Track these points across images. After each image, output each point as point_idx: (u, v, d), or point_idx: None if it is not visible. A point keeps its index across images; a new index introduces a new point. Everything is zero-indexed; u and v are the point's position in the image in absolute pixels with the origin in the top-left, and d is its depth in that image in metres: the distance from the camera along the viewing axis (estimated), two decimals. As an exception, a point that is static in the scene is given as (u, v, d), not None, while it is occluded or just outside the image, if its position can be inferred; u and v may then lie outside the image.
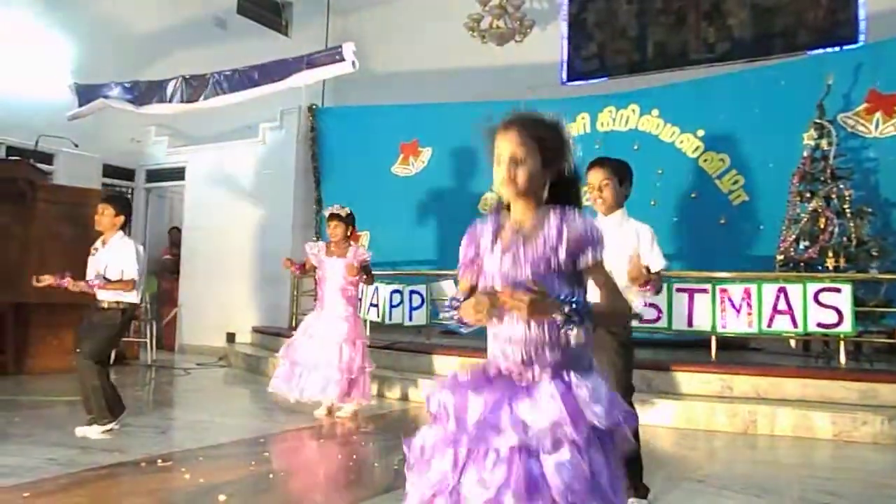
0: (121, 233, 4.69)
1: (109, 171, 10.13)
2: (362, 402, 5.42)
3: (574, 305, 1.66)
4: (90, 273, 4.60)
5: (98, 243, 4.73)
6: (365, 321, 7.79)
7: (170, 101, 7.71)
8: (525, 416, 1.70)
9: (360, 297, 5.59)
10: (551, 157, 1.80)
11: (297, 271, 5.81)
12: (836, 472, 4.27)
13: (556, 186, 1.82)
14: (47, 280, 4.56)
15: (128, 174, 10.69)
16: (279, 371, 5.44)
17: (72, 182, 8.40)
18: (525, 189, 1.79)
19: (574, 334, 1.75)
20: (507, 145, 1.80)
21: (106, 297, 4.53)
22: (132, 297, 4.57)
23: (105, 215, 4.66)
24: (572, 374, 1.74)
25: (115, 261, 4.56)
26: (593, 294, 1.83)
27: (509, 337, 1.80)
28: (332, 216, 5.55)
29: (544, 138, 1.80)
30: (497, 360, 1.83)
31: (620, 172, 3.42)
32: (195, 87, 7.64)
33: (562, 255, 1.75)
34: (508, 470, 1.68)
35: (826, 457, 4.61)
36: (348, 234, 5.55)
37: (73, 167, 9.09)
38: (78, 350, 4.49)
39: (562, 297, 1.67)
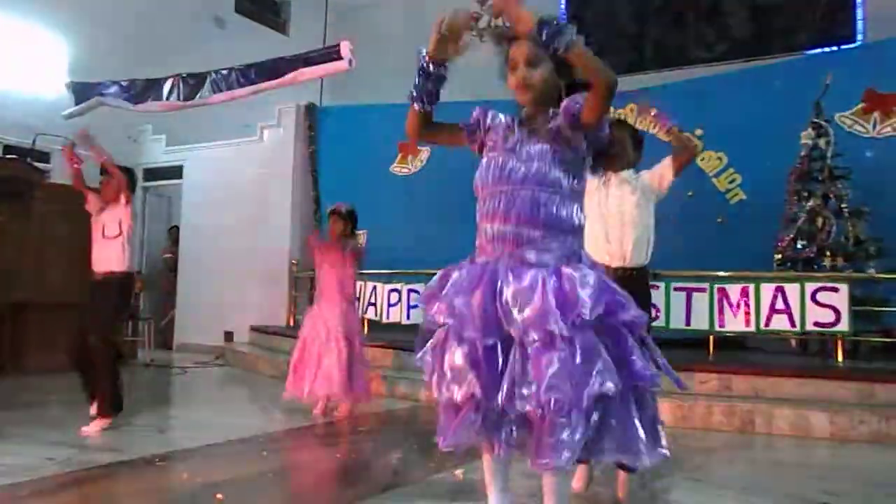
0: (121, 203, 4.87)
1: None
2: (362, 399, 5.38)
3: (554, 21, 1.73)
4: (103, 230, 4.77)
5: (99, 209, 4.89)
6: (362, 320, 7.79)
7: (167, 100, 7.69)
8: (512, 305, 1.73)
9: (357, 295, 5.57)
10: (566, 65, 1.84)
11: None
12: (833, 472, 4.27)
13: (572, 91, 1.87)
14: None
15: (125, 173, 10.65)
16: (291, 376, 5.41)
17: (69, 181, 8.36)
18: (541, 91, 1.86)
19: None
20: (521, 51, 1.87)
21: (101, 267, 4.61)
22: (123, 264, 4.64)
23: (110, 185, 4.85)
24: (562, 265, 1.76)
25: (112, 220, 4.77)
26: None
27: (495, 234, 1.84)
28: (332, 212, 5.57)
29: (552, 44, 1.82)
30: (486, 249, 1.88)
31: (636, 137, 3.56)
32: (192, 85, 7.62)
33: (562, 129, 1.82)
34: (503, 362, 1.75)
35: (824, 456, 4.62)
36: (347, 231, 5.52)
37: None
38: (90, 335, 4.51)
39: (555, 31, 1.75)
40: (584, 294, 1.70)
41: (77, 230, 7.28)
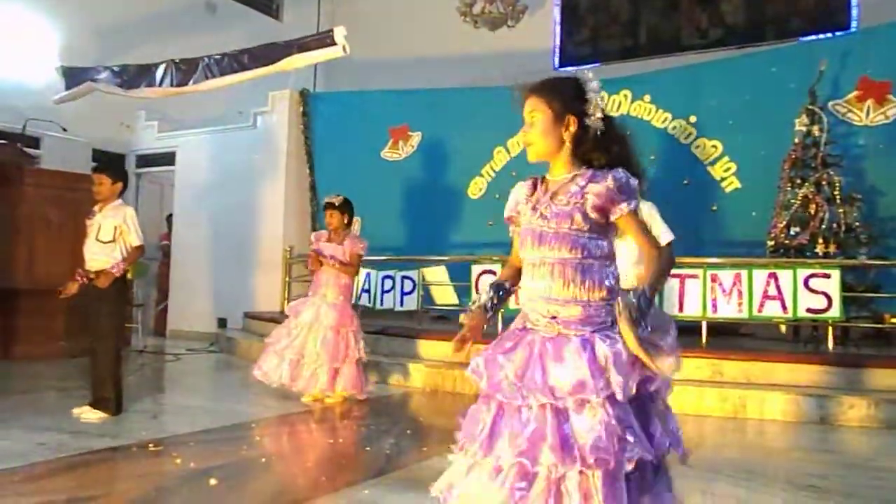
0: (119, 200, 4.73)
1: (99, 155, 10.04)
2: (353, 393, 5.35)
3: (642, 304, 1.73)
4: (96, 236, 4.62)
5: (95, 208, 4.72)
6: (356, 306, 7.78)
7: (159, 86, 7.63)
8: (552, 375, 1.75)
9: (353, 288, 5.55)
10: (561, 109, 1.84)
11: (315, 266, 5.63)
12: (823, 456, 4.32)
13: (589, 142, 1.85)
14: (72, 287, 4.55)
15: (117, 159, 10.60)
16: (265, 355, 5.40)
17: (60, 167, 8.31)
18: (540, 148, 1.85)
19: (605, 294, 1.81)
20: (525, 109, 1.90)
21: (94, 265, 4.54)
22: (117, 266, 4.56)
23: (103, 185, 4.65)
24: (596, 335, 1.77)
25: (108, 224, 4.59)
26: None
27: (537, 293, 1.85)
28: (327, 205, 5.53)
29: (552, 93, 1.85)
30: (527, 314, 1.89)
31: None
32: (185, 71, 7.57)
33: (588, 211, 1.79)
34: (542, 425, 1.74)
35: (814, 441, 4.65)
36: (345, 221, 5.49)
37: (61, 152, 9.00)
38: (93, 338, 4.50)
39: (636, 305, 1.72)
40: (617, 376, 1.72)
41: (68, 216, 7.26)
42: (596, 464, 1.67)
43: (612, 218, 1.81)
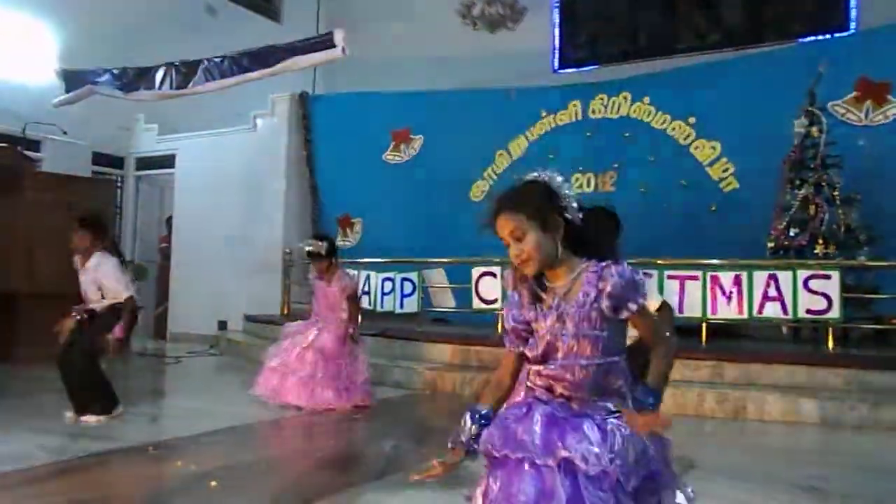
0: (98, 253, 4.59)
1: (99, 158, 10.06)
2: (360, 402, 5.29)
3: (654, 400, 1.76)
4: (85, 287, 4.57)
5: (77, 261, 4.65)
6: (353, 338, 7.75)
7: (159, 89, 7.65)
8: (571, 439, 1.72)
9: (349, 325, 5.34)
10: (543, 214, 1.78)
11: None
12: (823, 457, 4.31)
13: (576, 234, 1.81)
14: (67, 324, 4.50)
15: (117, 162, 10.62)
16: (263, 374, 5.31)
17: (60, 170, 8.33)
18: (540, 259, 1.79)
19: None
20: (503, 229, 1.81)
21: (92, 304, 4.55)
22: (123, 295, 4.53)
23: (84, 240, 4.58)
24: (610, 419, 1.76)
25: (92, 284, 4.54)
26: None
27: (554, 376, 1.82)
28: (310, 254, 5.36)
29: (528, 203, 1.78)
30: (538, 392, 1.85)
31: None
32: (184, 73, 7.58)
33: (604, 309, 1.76)
34: (555, 485, 1.69)
35: (814, 441, 4.65)
36: (330, 264, 5.33)
37: (62, 155, 9.01)
38: (71, 345, 4.47)
39: (647, 403, 1.75)
40: (629, 463, 1.71)
41: (69, 219, 7.26)
42: None
43: (624, 315, 1.78)
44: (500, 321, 6.81)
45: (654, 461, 1.77)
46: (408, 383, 6.32)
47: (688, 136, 8.02)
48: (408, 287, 7.67)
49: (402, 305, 7.72)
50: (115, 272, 4.55)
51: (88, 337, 4.46)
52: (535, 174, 1.83)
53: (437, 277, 7.73)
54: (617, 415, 1.78)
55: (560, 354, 1.80)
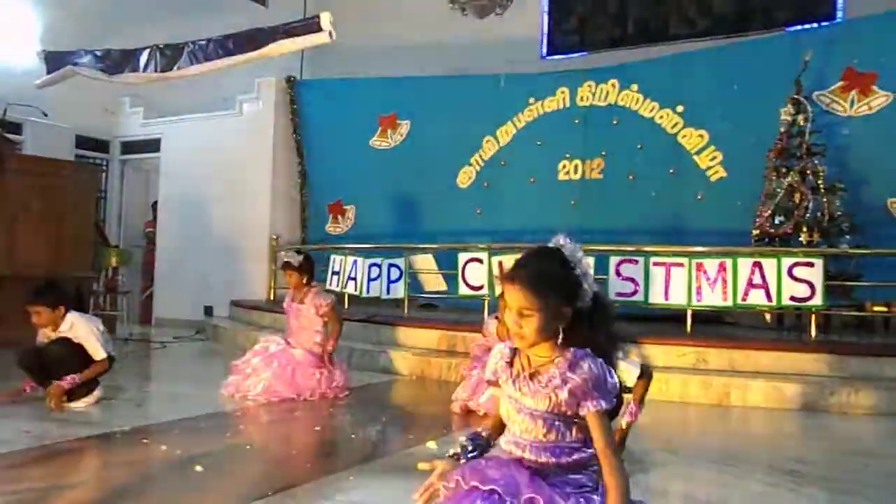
0: (66, 319, 4.40)
1: (82, 142, 9.95)
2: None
3: None
4: None
5: (44, 333, 4.47)
6: (342, 294, 7.78)
7: (143, 71, 7.55)
8: (538, 486, 1.70)
9: (325, 345, 5.22)
10: (556, 303, 1.72)
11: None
12: (804, 441, 4.38)
13: (578, 324, 1.75)
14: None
15: (102, 146, 10.51)
16: (235, 376, 5.19)
17: (42, 153, 8.22)
18: (533, 341, 1.75)
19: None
20: (513, 298, 1.74)
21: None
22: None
23: (41, 315, 4.35)
24: (581, 495, 1.73)
25: (85, 345, 4.39)
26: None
27: (517, 444, 1.80)
28: (286, 265, 5.28)
29: (546, 289, 1.72)
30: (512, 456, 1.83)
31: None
32: (169, 56, 7.49)
33: (562, 398, 1.72)
34: None
35: (796, 426, 4.72)
36: (304, 281, 5.24)
37: (44, 137, 8.91)
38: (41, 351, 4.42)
39: None
40: None
41: (50, 203, 7.19)
42: None
43: (581, 412, 1.73)
44: (486, 308, 6.83)
45: None
46: (394, 369, 6.33)
47: (676, 124, 8.04)
48: (395, 273, 7.68)
49: (388, 291, 7.73)
50: (90, 332, 4.39)
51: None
52: (566, 244, 1.76)
53: (425, 263, 7.73)
54: (588, 490, 1.74)
55: (517, 429, 1.79)
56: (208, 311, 9.53)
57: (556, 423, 1.75)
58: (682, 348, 5.68)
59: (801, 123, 6.71)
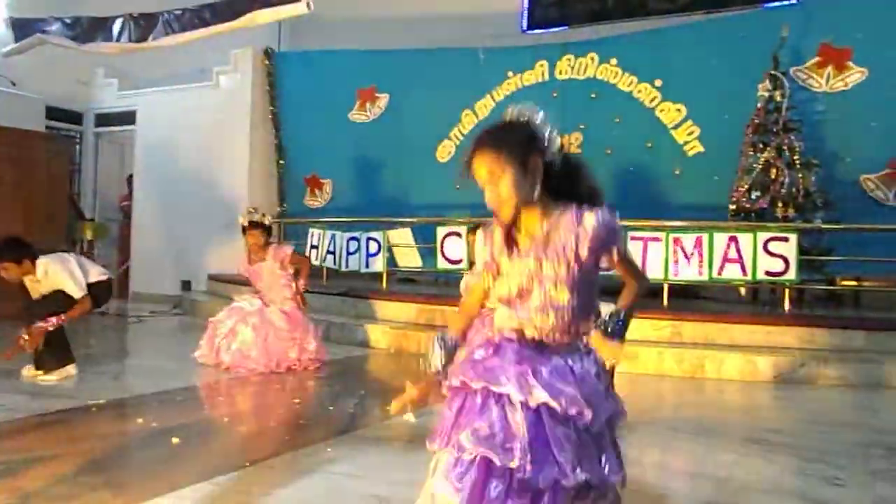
0: (38, 268, 4.33)
1: (54, 113, 9.74)
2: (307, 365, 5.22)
3: (621, 323, 1.75)
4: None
5: (34, 286, 4.42)
6: (321, 268, 7.76)
7: (116, 41, 7.39)
8: (543, 377, 1.71)
9: (297, 294, 5.31)
10: (523, 154, 1.73)
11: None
12: (775, 412, 4.47)
13: (556, 179, 1.77)
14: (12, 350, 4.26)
15: (75, 118, 10.30)
16: (208, 339, 5.26)
17: (10, 124, 8.03)
18: (516, 201, 1.75)
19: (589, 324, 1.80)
20: (481, 168, 1.75)
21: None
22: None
23: (9, 271, 4.28)
24: (577, 361, 1.76)
25: (44, 290, 4.35)
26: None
27: (526, 320, 1.79)
28: (254, 224, 5.29)
29: (509, 142, 1.73)
30: (506, 334, 1.82)
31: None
32: (143, 26, 7.33)
33: (583, 255, 1.73)
34: (516, 419, 1.68)
35: (768, 398, 4.81)
36: (266, 240, 5.31)
37: (13, 108, 8.67)
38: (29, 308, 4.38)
39: (615, 325, 1.74)
40: (592, 404, 1.71)
41: (21, 174, 7.07)
42: (541, 480, 1.64)
43: (602, 259, 1.77)
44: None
45: (613, 401, 1.79)
46: (372, 342, 6.35)
47: (654, 98, 8.05)
48: (373, 247, 7.66)
49: (367, 265, 7.71)
50: (64, 273, 4.33)
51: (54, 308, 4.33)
52: (517, 111, 1.77)
53: (402, 237, 7.71)
54: (587, 353, 1.78)
55: (535, 299, 1.78)
56: (186, 285, 9.45)
57: (576, 282, 1.76)
58: (658, 321, 5.74)
59: (778, 99, 6.74)
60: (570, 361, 1.76)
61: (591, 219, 1.73)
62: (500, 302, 1.86)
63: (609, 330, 1.74)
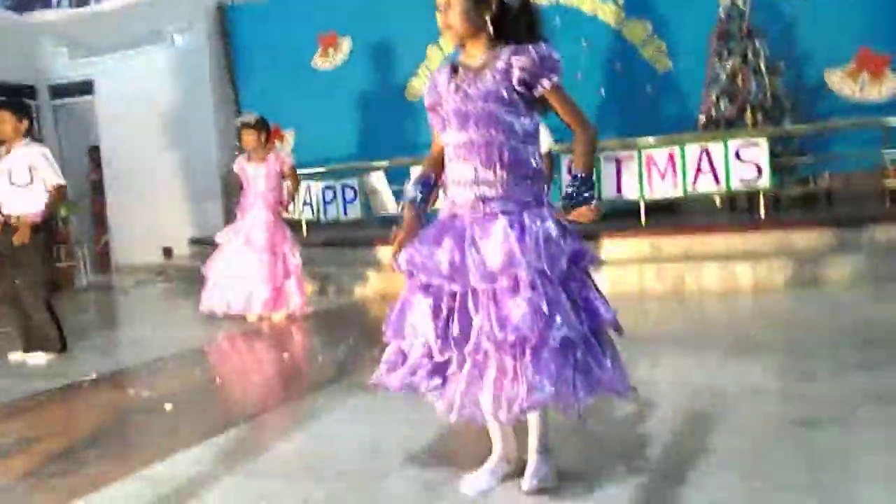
0: (27, 139, 4.39)
1: (4, 89, 9.40)
2: (294, 311, 5.33)
3: (587, 194, 1.82)
4: (2, 183, 4.28)
5: (1, 150, 4.39)
6: (299, 222, 7.72)
7: (58, 6, 7.13)
8: (484, 255, 1.79)
9: (282, 200, 5.41)
10: None
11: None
12: (753, 319, 4.58)
13: (507, 21, 1.82)
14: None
15: (28, 92, 9.97)
16: (206, 288, 5.34)
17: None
18: (462, 30, 1.81)
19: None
20: None
21: (13, 211, 4.28)
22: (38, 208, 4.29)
23: (6, 122, 4.29)
24: (525, 214, 1.80)
25: (21, 165, 4.28)
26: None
27: (462, 175, 1.86)
28: (243, 125, 5.33)
29: None
30: (454, 198, 1.90)
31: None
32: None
33: (514, 85, 1.78)
34: (476, 310, 1.79)
35: (746, 306, 4.91)
36: (263, 139, 5.30)
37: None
38: (16, 281, 4.31)
39: (579, 191, 1.81)
40: (547, 252, 1.75)
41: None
42: (517, 341, 1.72)
43: (537, 93, 1.80)
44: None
45: (573, 238, 1.84)
46: (357, 290, 6.37)
47: (618, 17, 7.91)
48: (350, 193, 7.62)
49: (345, 212, 7.69)
50: (49, 155, 4.38)
51: (32, 271, 4.29)
52: None
53: (377, 183, 7.65)
54: (534, 207, 1.83)
55: (464, 135, 1.85)
56: (167, 252, 9.41)
57: (506, 118, 1.82)
58: (636, 240, 5.79)
59: (741, 5, 6.65)
60: (514, 219, 1.80)
61: (527, 49, 1.80)
62: (447, 148, 1.93)
63: (576, 198, 1.81)
